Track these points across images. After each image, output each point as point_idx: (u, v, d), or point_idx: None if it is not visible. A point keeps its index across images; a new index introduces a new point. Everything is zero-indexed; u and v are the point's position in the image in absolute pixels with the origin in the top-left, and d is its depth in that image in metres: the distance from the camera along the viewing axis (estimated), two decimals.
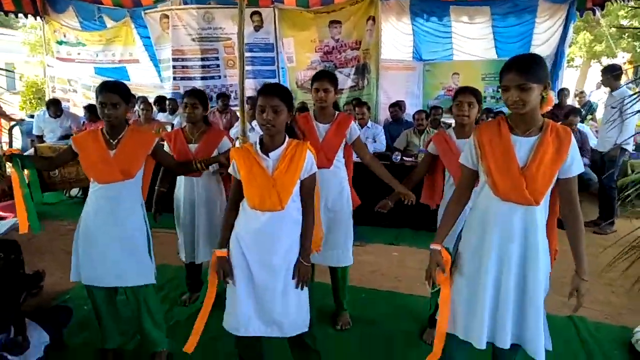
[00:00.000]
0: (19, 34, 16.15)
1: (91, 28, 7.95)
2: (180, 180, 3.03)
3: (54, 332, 2.65)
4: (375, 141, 5.55)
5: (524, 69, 1.67)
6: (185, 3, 7.35)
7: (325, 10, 7.02)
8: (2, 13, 7.30)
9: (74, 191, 5.75)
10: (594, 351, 2.68)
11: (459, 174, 2.14)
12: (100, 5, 7.71)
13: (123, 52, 7.96)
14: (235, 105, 7.14)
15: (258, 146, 2.01)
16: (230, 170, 2.09)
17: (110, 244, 2.33)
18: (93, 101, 7.12)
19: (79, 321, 2.86)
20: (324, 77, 2.67)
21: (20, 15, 7.54)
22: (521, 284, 1.83)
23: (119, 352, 2.60)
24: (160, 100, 6.90)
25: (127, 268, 2.36)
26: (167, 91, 7.60)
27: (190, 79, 7.59)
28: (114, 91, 2.26)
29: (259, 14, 7.15)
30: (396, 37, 7.03)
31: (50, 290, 3.31)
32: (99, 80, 8.13)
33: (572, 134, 1.78)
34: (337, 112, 2.79)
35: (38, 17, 7.87)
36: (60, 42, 8.12)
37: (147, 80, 8.04)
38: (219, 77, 7.62)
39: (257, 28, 7.24)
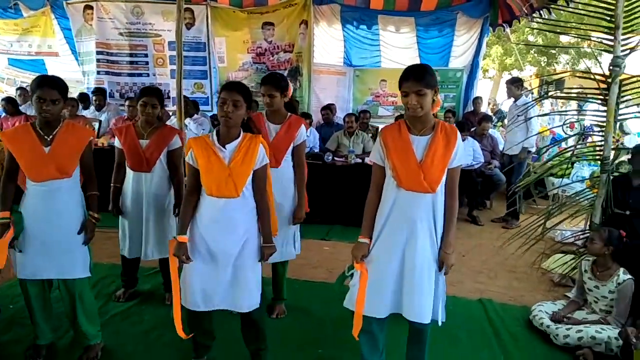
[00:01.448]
0: None
1: (5, 16, 7.40)
2: (129, 174, 3.02)
3: None
4: (314, 146, 5.78)
5: (420, 77, 1.96)
6: None
7: (258, 11, 7.09)
8: None
9: None
10: (499, 328, 3.05)
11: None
12: None
13: (41, 44, 7.50)
14: (166, 105, 7.02)
15: (215, 137, 2.16)
16: (187, 159, 2.20)
17: (50, 239, 2.32)
18: (4, 95, 6.69)
19: (6, 319, 2.79)
20: (268, 83, 2.81)
21: None
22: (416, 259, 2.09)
23: (51, 348, 2.57)
24: (83, 97, 6.61)
25: (65, 262, 2.36)
26: (88, 86, 7.29)
27: (116, 74, 7.35)
28: (54, 87, 2.24)
29: (191, 11, 7.07)
30: (328, 42, 7.27)
31: None
32: (13, 71, 7.63)
33: (459, 132, 2.11)
34: (289, 114, 2.91)
35: None
36: None
37: (67, 75, 7.54)
38: (147, 74, 7.43)
39: (189, 26, 7.14)
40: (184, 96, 6.50)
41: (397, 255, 2.10)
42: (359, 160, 5.13)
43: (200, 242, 2.20)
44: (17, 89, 6.60)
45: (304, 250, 4.17)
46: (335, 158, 5.26)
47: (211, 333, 2.44)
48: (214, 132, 2.21)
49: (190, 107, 5.99)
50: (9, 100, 5.67)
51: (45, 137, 2.30)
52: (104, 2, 7.00)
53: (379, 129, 2.32)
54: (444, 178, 2.07)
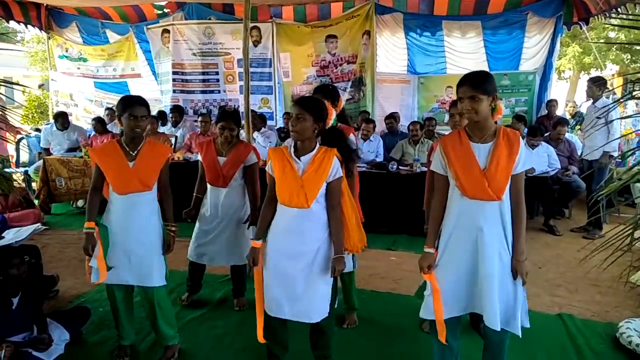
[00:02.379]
0: (18, 47, 16.34)
1: (94, 42, 8.14)
2: (208, 187, 3.20)
3: (74, 331, 2.81)
4: (376, 156, 5.78)
5: (475, 83, 1.96)
6: (187, 18, 7.55)
7: (322, 24, 7.26)
8: (9, 27, 7.48)
9: (80, 202, 5.90)
10: (582, 345, 2.85)
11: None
12: (104, 21, 7.93)
13: (125, 67, 8.15)
14: None
15: (292, 149, 2.26)
16: (267, 168, 2.32)
17: (130, 247, 2.50)
18: (93, 115, 7.33)
19: (95, 321, 3.01)
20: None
21: (20, 29, 7.71)
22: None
23: (133, 348, 2.76)
24: (161, 115, 7.08)
25: (144, 270, 2.53)
26: (166, 104, 7.78)
27: (190, 92, 7.79)
28: (143, 104, 2.44)
29: (258, 29, 7.37)
30: (391, 51, 7.27)
31: (66, 294, 3.45)
32: (100, 94, 8.33)
33: (521, 138, 2.06)
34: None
35: (42, 32, 8.08)
36: (61, 57, 8.31)
37: (148, 95, 8.14)
38: (219, 91, 7.79)
39: (256, 43, 7.43)
40: (252, 110, 6.84)
41: (466, 264, 2.07)
42: (425, 169, 5.03)
43: (273, 249, 2.29)
44: (105, 109, 7.21)
45: (370, 260, 4.22)
46: (400, 167, 5.21)
47: (283, 344, 2.48)
48: (292, 144, 2.29)
49: (258, 121, 6.21)
50: (98, 120, 6.22)
51: (131, 152, 2.49)
52: (179, 26, 7.49)
53: (439, 139, 2.29)
54: (507, 185, 2.02)
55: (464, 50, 7.02)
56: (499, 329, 2.03)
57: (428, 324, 2.94)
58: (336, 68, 7.28)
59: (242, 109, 7.49)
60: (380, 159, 5.70)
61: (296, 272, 2.24)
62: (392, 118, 6.52)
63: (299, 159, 2.23)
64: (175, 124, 6.88)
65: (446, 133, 6.15)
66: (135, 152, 2.49)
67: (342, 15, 7.12)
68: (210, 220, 3.19)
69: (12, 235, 3.06)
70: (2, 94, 3.19)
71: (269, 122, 7.10)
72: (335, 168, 2.23)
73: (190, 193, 3.31)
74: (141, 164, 2.48)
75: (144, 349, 2.80)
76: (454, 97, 7.14)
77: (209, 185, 3.20)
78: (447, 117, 7.21)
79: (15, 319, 2.58)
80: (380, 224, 4.89)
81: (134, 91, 8.16)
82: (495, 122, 2.08)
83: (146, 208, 2.53)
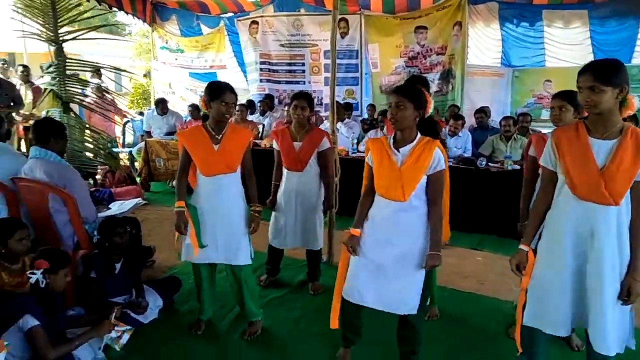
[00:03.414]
0: (124, 40, 17.86)
1: (189, 34, 8.65)
2: (284, 173, 3.28)
3: (166, 299, 3.02)
4: (464, 151, 5.55)
5: (597, 73, 1.74)
6: (277, 10, 7.74)
7: (411, 16, 7.10)
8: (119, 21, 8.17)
9: (175, 182, 6.31)
10: None
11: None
12: (198, 14, 8.38)
13: (214, 59, 8.56)
14: (319, 111, 7.43)
15: (391, 140, 2.21)
16: (366, 159, 2.30)
17: (219, 228, 2.61)
18: (188, 102, 7.79)
19: (185, 292, 3.19)
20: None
21: (128, 23, 8.41)
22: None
23: (216, 323, 2.91)
24: (250, 104, 7.34)
25: (232, 250, 2.63)
26: (252, 93, 8.06)
27: (276, 82, 8.00)
28: (234, 92, 2.53)
29: (346, 20, 7.36)
30: (483, 42, 6.93)
31: (161, 265, 3.72)
32: (195, 83, 8.84)
33: None
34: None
35: (145, 24, 8.75)
36: (162, 48, 8.92)
37: (235, 85, 8.53)
38: (304, 82, 7.92)
39: (343, 35, 7.44)
40: (336, 101, 6.88)
41: (572, 275, 1.88)
42: (517, 167, 4.74)
43: (368, 237, 2.26)
44: (201, 97, 7.62)
45: (454, 258, 4.06)
46: (490, 164, 4.95)
47: (357, 329, 2.47)
48: (392, 136, 2.23)
49: (342, 111, 6.22)
50: (195, 107, 6.64)
51: (216, 136, 2.58)
52: (268, 17, 7.71)
53: (552, 131, 2.11)
54: (628, 190, 1.79)
55: (566, 42, 6.49)
56: (612, 355, 1.84)
57: (514, 329, 2.83)
58: (425, 59, 7.09)
59: (326, 101, 7.71)
60: (468, 154, 5.45)
61: (389, 262, 2.19)
62: (483, 112, 6.20)
63: (398, 151, 2.17)
64: (263, 113, 7.11)
65: (542, 131, 5.78)
66: (220, 135, 2.57)
67: (433, 6, 6.91)
68: (286, 204, 3.26)
69: (116, 208, 3.36)
70: (113, 81, 3.47)
71: (353, 113, 7.10)
72: (436, 160, 2.12)
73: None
74: (226, 147, 2.56)
75: (227, 324, 2.91)
76: (553, 91, 6.70)
77: (285, 171, 3.27)
78: (543, 113, 6.77)
79: (117, 283, 2.83)
80: (466, 222, 4.68)
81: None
82: (624, 120, 1.84)
83: (231, 189, 2.62)
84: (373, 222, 2.26)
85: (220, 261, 2.68)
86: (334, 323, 2.38)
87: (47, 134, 2.85)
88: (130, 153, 6.80)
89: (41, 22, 4.11)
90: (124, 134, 7.29)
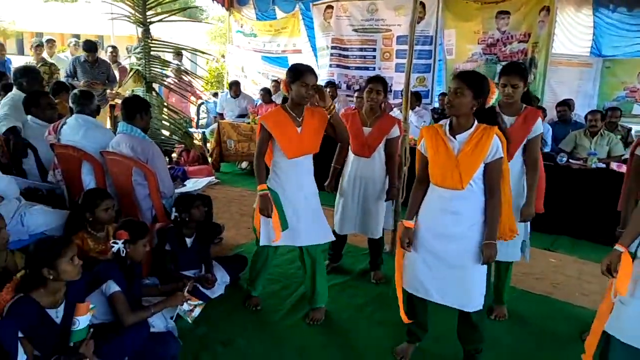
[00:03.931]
0: (205, 23, 18.55)
1: (264, 18, 8.78)
2: (350, 157, 3.26)
3: (233, 275, 3.13)
4: (544, 146, 5.22)
5: None
6: None
7: (494, 0, 6.72)
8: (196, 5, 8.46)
9: (244, 164, 6.53)
10: None
11: None
12: None
13: (287, 43, 8.61)
14: (387, 98, 7.28)
15: (447, 127, 2.14)
16: (419, 147, 2.25)
17: (302, 210, 2.65)
18: (260, 86, 7.96)
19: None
20: (513, 72, 2.60)
21: (204, 7, 8.68)
22: None
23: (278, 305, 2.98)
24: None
25: (313, 229, 2.68)
26: (322, 78, 8.05)
27: (346, 67, 7.94)
28: (314, 73, 2.52)
29: (423, 5, 7.10)
30: (573, 29, 6.41)
31: (228, 242, 3.87)
32: (267, 67, 8.99)
33: None
34: (524, 106, 2.66)
35: (224, 8, 8.99)
36: (237, 32, 9.14)
37: None
38: (374, 68, 7.78)
39: (419, 20, 7.14)
40: None
41: None
42: (602, 165, 4.39)
43: (424, 230, 2.21)
44: (272, 81, 7.77)
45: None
46: (571, 160, 4.63)
47: (423, 325, 2.44)
48: (447, 122, 2.17)
49: (413, 99, 6.06)
50: (266, 91, 6.76)
51: (297, 118, 2.60)
52: (343, 2, 7.63)
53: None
54: None
55: None
56: None
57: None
58: (505, 46, 6.69)
59: (396, 87, 7.56)
60: (547, 149, 5.12)
61: (448, 254, 2.14)
62: (566, 105, 5.78)
63: (454, 138, 2.10)
64: (331, 98, 7.09)
65: (635, 127, 5.30)
66: (301, 118, 2.59)
67: None
68: (350, 190, 3.23)
69: (191, 185, 3.52)
70: (191, 62, 3.60)
71: (423, 101, 6.91)
72: (495, 147, 2.05)
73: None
74: (307, 128, 2.58)
75: (288, 306, 2.97)
76: None
77: (352, 156, 3.23)
78: (635, 108, 6.20)
79: (189, 257, 2.98)
80: (541, 221, 4.42)
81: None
82: None
83: (309, 169, 2.67)
84: (428, 213, 2.20)
85: (305, 243, 2.70)
86: (404, 317, 2.36)
87: (134, 110, 3.03)
88: (203, 134, 7.09)
89: (130, 5, 4.34)
90: (198, 114, 7.60)
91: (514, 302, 3.05)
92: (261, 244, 2.71)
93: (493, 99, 2.23)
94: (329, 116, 2.60)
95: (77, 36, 12.51)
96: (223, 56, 11.11)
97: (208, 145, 6.75)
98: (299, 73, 2.49)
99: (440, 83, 7.39)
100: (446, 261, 2.15)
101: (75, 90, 3.43)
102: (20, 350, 1.79)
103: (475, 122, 2.11)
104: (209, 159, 6.22)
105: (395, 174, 3.29)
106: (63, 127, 3.20)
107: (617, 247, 1.85)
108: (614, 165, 4.30)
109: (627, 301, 1.84)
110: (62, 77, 6.54)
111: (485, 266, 2.15)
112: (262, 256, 2.84)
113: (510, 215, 2.26)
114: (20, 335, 1.82)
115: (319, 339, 2.64)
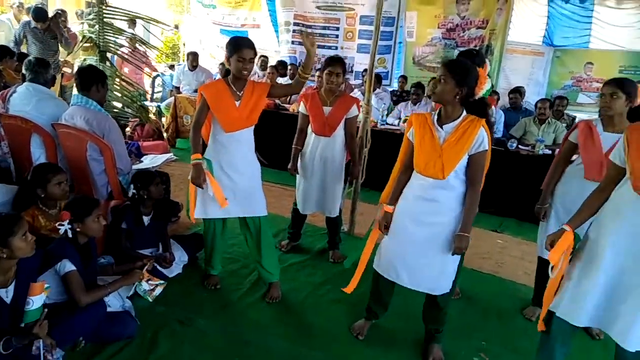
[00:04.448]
0: None
1: None
2: (311, 138, 3.27)
3: (191, 254, 3.11)
4: (495, 132, 5.42)
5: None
6: None
7: None
8: None
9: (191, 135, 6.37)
10: None
11: (593, 167, 2.24)
12: None
13: (247, 17, 8.42)
14: (349, 78, 7.31)
15: (435, 117, 2.17)
16: (408, 134, 2.28)
17: (237, 182, 2.63)
18: (218, 61, 7.73)
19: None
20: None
21: None
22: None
23: (225, 280, 2.99)
24: (280, 64, 7.25)
25: (250, 202, 2.69)
26: (283, 55, 7.94)
27: None
28: (252, 47, 2.45)
29: None
30: (527, 18, 6.66)
31: (184, 221, 3.80)
32: (225, 40, 8.74)
33: None
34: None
35: None
36: (197, 1, 8.81)
37: (266, 45, 8.41)
38: (336, 47, 7.77)
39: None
40: (366, 70, 6.73)
41: (614, 270, 1.84)
42: (548, 152, 4.64)
43: (401, 216, 2.26)
44: None
45: (474, 239, 3.99)
46: (520, 146, 4.86)
47: (386, 305, 2.52)
48: (437, 112, 2.18)
49: (374, 81, 6.11)
50: (224, 65, 6.56)
51: (237, 92, 2.53)
52: None
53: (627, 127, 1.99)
54: None
55: (617, 23, 6.21)
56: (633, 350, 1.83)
57: (531, 310, 2.90)
58: (463, 32, 6.86)
59: (357, 68, 7.58)
60: (498, 135, 5.33)
61: (422, 240, 2.19)
62: (518, 92, 6.03)
63: (442, 128, 2.12)
64: (292, 77, 7.03)
65: (578, 115, 5.59)
66: (241, 92, 2.53)
67: None
68: (310, 169, 3.27)
69: (149, 161, 3.44)
70: (148, 31, 3.45)
71: (383, 82, 6.98)
72: (480, 139, 2.06)
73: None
74: (247, 103, 2.53)
75: (247, 285, 2.98)
76: (594, 75, 6.46)
77: (312, 136, 3.25)
78: (580, 97, 6.56)
79: (146, 235, 2.92)
80: (488, 204, 4.64)
81: (253, 41, 8.41)
82: None
83: (248, 144, 2.65)
84: (407, 199, 2.25)
85: (239, 214, 2.72)
86: (350, 288, 2.45)
87: (89, 81, 2.89)
88: (158, 107, 6.85)
89: None
90: (153, 87, 7.33)
91: (462, 281, 3.20)
92: (196, 216, 2.70)
93: (483, 89, 2.24)
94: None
95: None
96: (177, 26, 10.68)
97: (163, 120, 6.54)
98: (237, 47, 2.43)
99: (399, 65, 7.49)
100: (420, 247, 2.20)
101: (30, 57, 3.22)
102: None
103: (464, 112, 2.12)
104: (165, 135, 6.04)
105: (357, 153, 3.33)
106: (12, 96, 3.02)
107: (564, 226, 1.97)
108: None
109: (566, 283, 1.98)
110: (2, 40, 6.11)
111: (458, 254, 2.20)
112: (209, 231, 2.83)
113: None
114: None
115: (278, 318, 2.69)
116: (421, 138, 2.16)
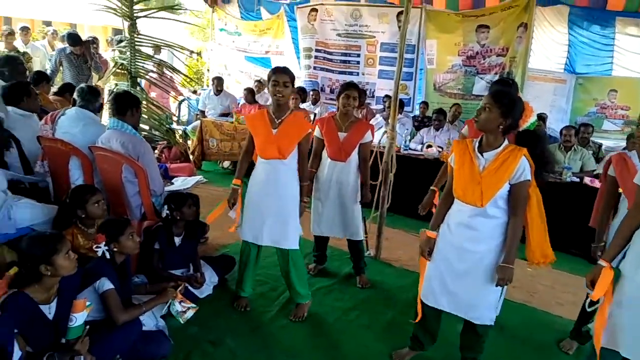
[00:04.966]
0: (181, 19, 18.18)
1: (249, 18, 8.75)
2: (326, 162, 3.29)
3: (221, 276, 3.13)
4: None
5: None
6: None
7: (474, 14, 6.92)
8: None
9: (226, 163, 6.49)
10: None
11: (633, 197, 2.24)
12: None
13: (271, 44, 8.62)
14: (370, 103, 7.40)
15: (477, 144, 2.17)
16: (449, 160, 2.29)
17: (269, 210, 2.69)
18: (242, 86, 7.92)
19: (237, 271, 3.25)
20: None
21: (183, 2, 8.60)
22: None
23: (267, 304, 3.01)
24: (301, 90, 7.36)
25: (280, 233, 2.71)
26: (303, 80, 8.09)
27: (329, 71, 8.01)
28: (287, 72, 2.57)
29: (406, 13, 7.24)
30: (548, 46, 6.69)
31: (213, 242, 3.85)
32: (250, 67, 8.96)
33: None
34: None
35: (207, 5, 8.92)
36: (221, 30, 9.08)
37: None
38: (357, 73, 7.88)
39: (401, 28, 7.33)
40: (387, 95, 6.83)
41: None
42: (576, 179, 4.59)
43: (442, 242, 2.26)
44: (255, 81, 7.75)
45: None
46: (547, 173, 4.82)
47: (433, 335, 2.48)
48: (478, 139, 2.19)
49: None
50: (249, 90, 6.73)
51: (275, 120, 2.64)
52: (328, 6, 7.70)
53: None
54: None
55: (638, 51, 6.18)
56: None
57: (568, 343, 2.81)
58: (483, 59, 6.91)
59: (379, 94, 7.67)
60: None
61: (463, 268, 2.18)
62: (541, 119, 6.02)
63: (482, 155, 2.12)
64: (314, 102, 7.14)
65: (604, 142, 5.54)
66: (280, 120, 2.64)
67: (498, 5, 6.70)
68: (326, 193, 3.28)
69: (180, 183, 3.49)
70: (175, 57, 3.57)
71: (405, 108, 7.04)
72: (521, 169, 2.03)
73: None
74: (282, 132, 2.62)
75: (277, 307, 3.00)
76: (619, 102, 6.42)
77: (327, 160, 3.28)
78: (605, 124, 6.50)
79: (177, 256, 2.96)
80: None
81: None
82: None
83: (285, 175, 2.68)
84: (448, 226, 2.25)
85: (267, 243, 2.76)
86: (419, 312, 2.41)
87: (125, 106, 2.99)
88: (184, 131, 7.00)
89: None
90: (179, 111, 7.50)
91: None
92: (239, 233, 2.83)
93: (528, 122, 2.26)
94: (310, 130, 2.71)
95: (49, 23, 12.09)
96: (199, 53, 10.97)
97: (189, 142, 6.68)
98: (272, 72, 2.60)
99: (420, 91, 7.56)
100: (460, 274, 2.19)
101: (83, 85, 3.38)
102: (16, 346, 1.75)
103: (505, 142, 2.11)
104: (191, 157, 6.16)
105: (368, 176, 3.32)
106: (61, 118, 3.13)
107: (601, 262, 1.96)
108: (587, 180, 4.51)
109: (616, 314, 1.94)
110: (37, 65, 6.35)
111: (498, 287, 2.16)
112: (244, 253, 2.88)
113: (543, 241, 2.25)
114: (14, 330, 1.79)
115: (308, 341, 2.68)
116: (461, 165, 2.17)
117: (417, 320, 2.43)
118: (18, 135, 3.25)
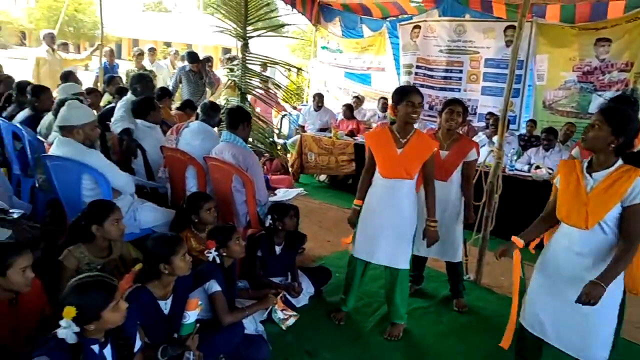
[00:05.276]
0: (297, 39, 19.20)
1: (351, 36, 8.93)
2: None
3: (317, 287, 3.18)
4: None
5: None
6: (442, 15, 7.59)
7: (593, 26, 6.38)
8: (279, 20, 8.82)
9: (322, 177, 6.65)
10: None
11: None
12: (362, 16, 8.62)
13: (372, 60, 8.70)
14: (471, 120, 7.13)
15: (585, 164, 2.05)
16: (555, 181, 2.19)
17: (383, 229, 2.68)
18: (341, 102, 8.08)
19: (333, 284, 3.32)
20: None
21: (285, 24, 9.06)
22: None
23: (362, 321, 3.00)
24: None
25: (394, 253, 2.69)
26: None
27: (430, 87, 7.86)
28: (420, 93, 2.58)
29: (514, 28, 6.92)
30: None
31: (308, 253, 3.93)
32: (348, 83, 9.12)
33: None
34: None
35: (311, 23, 9.27)
36: (323, 48, 9.37)
37: (387, 87, 8.58)
38: (459, 90, 7.64)
39: (509, 43, 7.01)
40: (490, 113, 6.52)
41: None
42: None
43: (547, 266, 2.14)
44: (353, 97, 7.88)
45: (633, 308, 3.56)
46: None
47: None
48: (588, 160, 2.06)
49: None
50: (348, 106, 6.85)
51: (400, 139, 2.63)
52: (431, 23, 7.61)
53: None
54: None
55: None
56: None
57: None
58: (603, 75, 6.33)
59: (481, 110, 7.37)
60: None
61: (572, 298, 1.97)
62: None
63: (591, 175, 1.98)
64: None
65: None
66: (405, 140, 2.62)
67: (623, 16, 6.11)
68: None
69: (282, 194, 3.64)
70: (282, 74, 3.74)
71: (510, 127, 6.68)
72: (636, 190, 1.87)
73: None
74: (408, 152, 2.59)
75: (372, 323, 2.98)
76: None
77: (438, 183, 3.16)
78: None
79: (277, 264, 3.07)
80: None
81: (375, 83, 8.68)
82: None
83: (405, 195, 2.65)
84: (554, 249, 2.11)
85: (380, 262, 2.75)
86: (506, 344, 2.30)
87: (238, 120, 3.20)
88: (284, 144, 7.31)
89: (233, 20, 4.61)
90: (281, 125, 7.85)
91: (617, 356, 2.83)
92: (353, 253, 2.84)
93: None
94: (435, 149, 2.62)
95: (169, 44, 13.40)
96: (299, 70, 11.40)
97: (288, 156, 6.94)
98: (406, 93, 2.56)
99: (528, 109, 7.12)
100: (568, 305, 2.00)
101: (206, 101, 3.73)
102: (137, 336, 1.93)
103: (620, 161, 1.96)
104: (290, 170, 6.39)
105: (472, 196, 3.19)
106: (184, 130, 3.45)
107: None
108: None
109: None
110: (160, 82, 7.07)
111: (614, 317, 1.99)
112: (354, 268, 2.89)
113: None
114: (137, 322, 1.97)
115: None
116: (566, 185, 2.04)
117: (516, 351, 2.29)
118: (144, 144, 3.63)
